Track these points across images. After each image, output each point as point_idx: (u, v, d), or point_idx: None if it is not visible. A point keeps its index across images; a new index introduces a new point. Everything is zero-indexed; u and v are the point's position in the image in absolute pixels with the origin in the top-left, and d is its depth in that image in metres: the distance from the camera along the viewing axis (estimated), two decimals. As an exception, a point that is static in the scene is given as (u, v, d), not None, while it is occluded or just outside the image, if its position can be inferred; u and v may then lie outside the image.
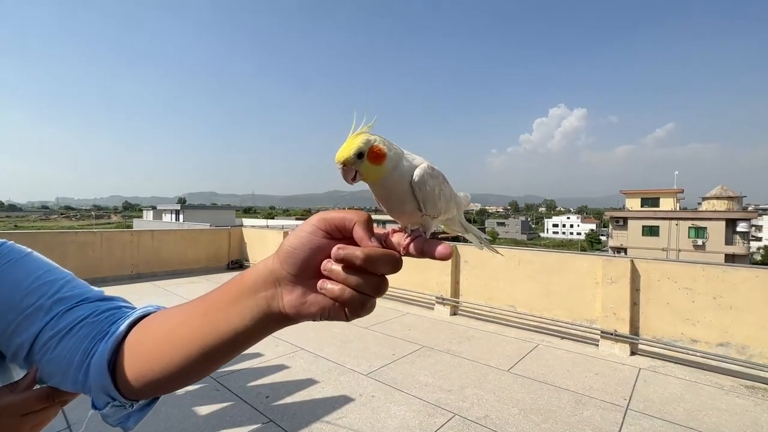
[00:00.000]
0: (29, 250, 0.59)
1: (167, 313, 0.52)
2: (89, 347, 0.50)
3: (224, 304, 0.44)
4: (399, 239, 0.43)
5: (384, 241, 0.43)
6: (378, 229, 0.43)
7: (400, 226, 0.47)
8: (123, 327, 0.51)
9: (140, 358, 0.48)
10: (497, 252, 0.67)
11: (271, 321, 0.43)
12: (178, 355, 0.46)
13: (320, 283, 0.40)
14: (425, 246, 0.41)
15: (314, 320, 0.41)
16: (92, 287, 0.60)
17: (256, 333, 0.44)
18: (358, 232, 0.40)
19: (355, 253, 0.38)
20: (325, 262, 0.40)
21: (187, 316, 0.48)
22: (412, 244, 0.41)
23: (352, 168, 0.43)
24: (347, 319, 0.40)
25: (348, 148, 0.42)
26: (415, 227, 0.47)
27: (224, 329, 0.44)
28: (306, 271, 0.41)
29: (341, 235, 0.41)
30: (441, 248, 0.40)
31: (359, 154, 0.42)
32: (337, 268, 0.39)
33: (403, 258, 0.41)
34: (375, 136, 0.43)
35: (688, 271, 3.77)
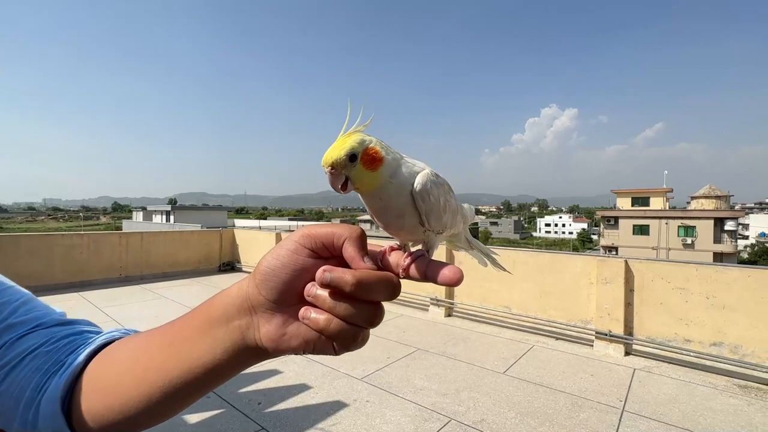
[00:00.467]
0: None
1: (132, 341, 0.44)
2: (41, 382, 0.42)
3: (191, 334, 0.38)
4: (398, 259, 0.36)
5: (380, 260, 0.37)
6: (373, 246, 0.37)
7: (398, 242, 0.41)
8: (81, 357, 0.43)
9: (98, 395, 0.41)
10: (505, 270, 0.61)
11: (246, 355, 0.36)
12: (138, 393, 0.38)
13: (303, 311, 0.34)
14: (429, 268, 0.35)
15: (296, 354, 0.35)
16: (53, 308, 0.51)
17: (228, 368, 0.37)
18: (349, 251, 0.33)
19: (345, 277, 0.32)
20: (309, 286, 0.34)
21: (150, 348, 0.40)
22: (413, 266, 0.35)
23: (342, 173, 0.36)
24: (335, 353, 0.34)
25: (338, 148, 0.36)
26: (416, 245, 0.41)
27: (191, 364, 0.37)
28: (287, 296, 0.34)
29: (329, 253, 0.34)
30: (448, 272, 0.34)
31: (352, 156, 0.35)
32: (324, 293, 0.33)
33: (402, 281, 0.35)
34: (371, 137, 0.37)
35: (682, 271, 3.79)
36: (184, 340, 0.38)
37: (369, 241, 0.36)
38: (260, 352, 0.36)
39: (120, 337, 0.47)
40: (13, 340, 0.44)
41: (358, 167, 0.36)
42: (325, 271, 0.32)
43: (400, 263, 0.36)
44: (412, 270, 0.35)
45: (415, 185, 0.38)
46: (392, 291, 0.34)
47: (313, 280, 0.34)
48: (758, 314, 3.39)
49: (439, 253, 5.19)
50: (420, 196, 0.38)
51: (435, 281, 0.35)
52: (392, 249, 0.38)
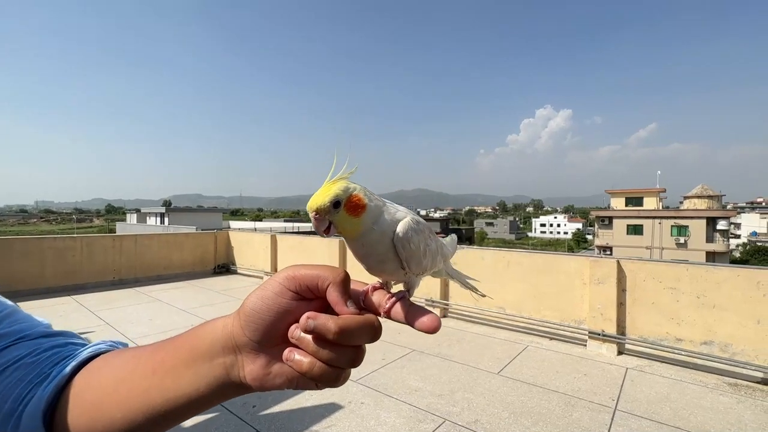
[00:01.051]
0: None
1: (118, 358, 0.44)
2: (23, 393, 0.41)
3: (176, 365, 0.39)
4: (380, 299, 0.38)
5: (362, 300, 0.38)
6: (356, 284, 0.38)
7: (379, 282, 0.42)
8: (67, 370, 0.43)
9: (81, 412, 0.41)
10: (484, 296, 0.63)
11: (230, 390, 0.38)
12: (121, 416, 0.39)
13: (287, 353, 0.35)
14: (409, 313, 0.36)
15: (280, 389, 0.37)
16: (38, 320, 0.50)
17: (210, 401, 0.38)
18: (333, 296, 0.35)
19: (328, 325, 0.33)
20: (293, 328, 0.35)
21: (136, 371, 0.41)
22: (395, 308, 0.37)
23: (326, 218, 0.38)
24: (318, 389, 0.36)
25: (323, 194, 0.37)
26: (398, 284, 0.43)
27: (174, 394, 0.38)
28: (271, 337, 0.36)
29: (313, 295, 0.36)
30: (427, 320, 0.36)
31: (336, 203, 0.37)
32: (307, 337, 0.34)
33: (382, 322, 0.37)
34: (356, 185, 0.39)
35: (673, 271, 3.83)
36: (168, 371, 0.39)
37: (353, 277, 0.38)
38: (244, 388, 0.38)
39: (106, 350, 0.47)
40: None
41: (341, 213, 0.38)
42: (309, 318, 0.34)
43: (382, 304, 0.37)
44: (394, 312, 0.37)
45: (396, 233, 0.39)
46: (373, 335, 0.35)
47: (297, 320, 0.35)
48: (747, 313, 3.44)
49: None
50: (401, 244, 0.39)
51: (413, 326, 0.36)
52: (375, 288, 0.39)
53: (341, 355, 0.34)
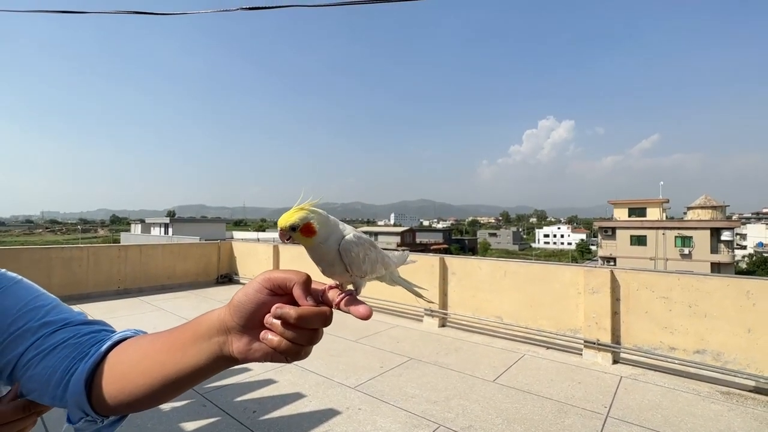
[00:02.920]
0: (19, 277, 0.65)
1: (140, 341, 0.59)
2: (69, 366, 0.56)
3: (183, 344, 0.53)
4: (334, 296, 0.52)
5: (321, 297, 0.52)
6: (317, 284, 0.53)
7: (336, 283, 0.57)
8: (103, 349, 0.57)
9: (113, 380, 0.55)
10: (425, 299, 0.82)
11: (222, 362, 0.52)
12: (143, 383, 0.53)
13: (262, 334, 0.49)
14: (351, 305, 0.50)
15: (259, 362, 0.51)
16: (76, 311, 0.67)
17: (209, 370, 0.52)
18: (296, 292, 0.48)
19: (290, 312, 0.46)
20: (267, 316, 0.49)
21: (154, 349, 0.55)
22: (342, 302, 0.51)
23: (287, 233, 0.53)
24: (287, 362, 0.50)
25: (287, 218, 0.53)
26: (348, 285, 0.57)
27: (182, 366, 0.52)
28: (252, 322, 0.49)
29: (283, 292, 0.49)
30: (362, 309, 0.50)
31: (293, 228, 0.52)
32: (277, 322, 0.48)
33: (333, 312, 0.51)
34: (313, 214, 0.53)
35: (665, 281, 3.91)
36: (178, 348, 0.53)
37: (319, 280, 0.53)
38: (233, 361, 0.51)
39: (132, 336, 0.62)
40: (48, 334, 0.58)
41: (297, 234, 0.53)
42: (277, 308, 0.47)
43: (335, 299, 0.52)
44: (341, 304, 0.51)
45: (341, 245, 0.55)
46: (324, 321, 0.49)
47: (271, 311, 0.48)
48: (738, 322, 3.51)
49: (421, 280, 5.31)
50: (343, 253, 0.55)
51: (352, 314, 0.50)
52: (330, 288, 0.54)
53: (301, 336, 0.47)
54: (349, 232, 0.57)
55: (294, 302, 0.49)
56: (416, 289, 0.73)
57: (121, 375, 0.54)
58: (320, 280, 0.57)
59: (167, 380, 0.52)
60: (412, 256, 0.75)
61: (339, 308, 0.51)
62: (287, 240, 0.54)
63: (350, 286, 0.58)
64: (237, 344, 0.49)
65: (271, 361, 0.49)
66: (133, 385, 0.53)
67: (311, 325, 0.48)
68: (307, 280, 0.49)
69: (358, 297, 0.53)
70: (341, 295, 0.51)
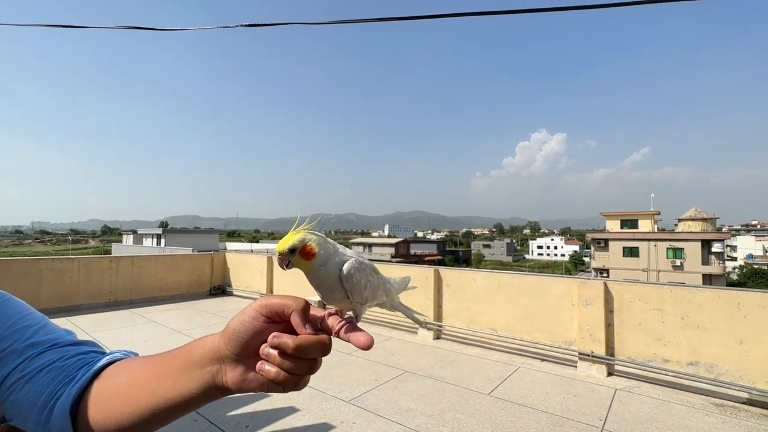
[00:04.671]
0: (8, 296, 0.62)
1: (129, 365, 0.56)
2: (54, 390, 0.53)
3: (174, 372, 0.50)
4: (333, 323, 0.51)
5: (319, 324, 0.50)
6: (315, 310, 0.51)
7: (335, 309, 0.56)
8: (90, 373, 0.54)
9: (100, 407, 0.52)
10: (424, 326, 0.81)
11: (215, 392, 0.50)
12: (131, 412, 0.51)
13: (259, 364, 0.47)
14: (351, 333, 0.49)
15: (255, 392, 0.49)
16: (65, 331, 0.63)
17: (201, 400, 0.51)
18: (294, 320, 0.47)
19: (288, 342, 0.45)
20: (263, 346, 0.47)
21: (143, 376, 0.53)
22: (342, 330, 0.50)
23: (286, 258, 0.53)
24: (284, 392, 0.48)
25: (285, 242, 0.52)
26: (348, 311, 0.57)
27: (173, 395, 0.50)
28: (247, 351, 0.47)
29: (280, 319, 0.48)
30: (362, 338, 0.49)
31: (292, 250, 0.52)
32: (274, 352, 0.46)
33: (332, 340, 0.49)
34: (312, 236, 0.53)
35: (657, 293, 3.95)
36: (168, 375, 0.50)
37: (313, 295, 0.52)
38: (226, 391, 0.49)
39: (121, 358, 0.59)
40: (34, 355, 0.56)
41: (296, 257, 0.53)
42: (274, 337, 0.46)
43: (334, 326, 0.51)
44: (341, 333, 0.50)
45: (342, 270, 0.54)
46: (324, 350, 0.47)
47: (267, 339, 0.47)
48: (730, 334, 3.54)
49: (418, 301, 5.29)
50: (344, 279, 0.54)
51: (351, 342, 0.49)
52: (330, 314, 0.53)
53: (299, 366, 0.46)
54: (351, 256, 0.56)
55: (291, 329, 0.47)
56: (416, 315, 0.73)
57: (108, 402, 0.52)
58: (313, 295, 0.56)
59: (156, 409, 0.50)
60: (409, 272, 0.76)
61: (339, 336, 0.50)
62: (286, 266, 0.53)
63: (350, 313, 0.57)
64: (231, 374, 0.48)
65: (267, 391, 0.48)
66: (120, 414, 0.51)
67: (310, 355, 0.46)
68: (306, 307, 0.48)
69: (358, 324, 0.52)
70: (341, 323, 0.50)
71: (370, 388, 3.71)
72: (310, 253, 0.52)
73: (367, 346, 0.48)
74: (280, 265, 0.54)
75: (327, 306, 0.59)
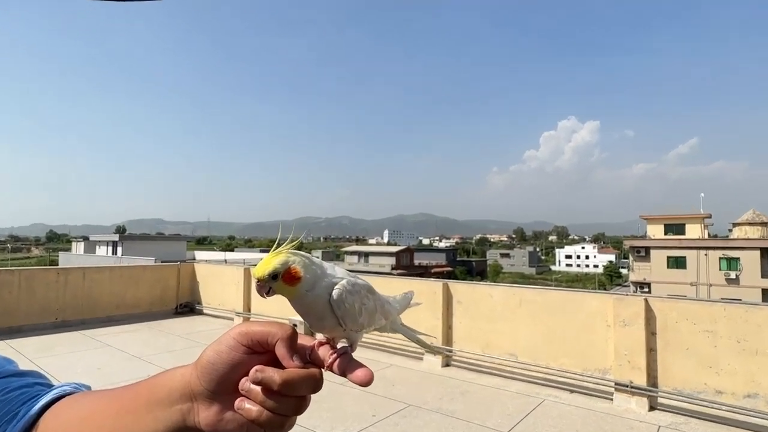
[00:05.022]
0: None
1: (82, 401, 0.54)
2: None
3: (137, 409, 0.48)
4: (325, 353, 0.50)
5: (309, 355, 0.50)
6: (304, 338, 0.50)
7: (326, 338, 0.55)
8: (35, 409, 0.52)
9: None
10: (431, 351, 0.80)
11: None
12: None
13: (238, 402, 0.45)
14: (348, 367, 0.48)
15: None
16: (4, 359, 0.61)
17: None
18: (280, 351, 0.46)
19: (273, 377, 0.44)
20: (243, 380, 0.46)
21: (98, 412, 0.51)
22: (336, 363, 0.49)
23: (266, 285, 0.52)
24: None
25: (265, 266, 0.51)
26: (342, 340, 0.56)
27: None
28: (224, 387, 0.46)
29: (263, 349, 0.47)
30: (361, 374, 0.48)
31: (274, 276, 0.51)
32: (256, 388, 0.45)
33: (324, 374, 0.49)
34: (295, 257, 0.52)
35: (708, 311, 3.96)
36: (129, 413, 0.48)
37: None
38: None
39: (71, 392, 0.56)
40: None
41: (279, 283, 0.52)
42: (257, 371, 0.44)
43: (326, 358, 0.50)
44: (335, 366, 0.50)
45: (332, 295, 0.54)
46: (314, 386, 0.46)
47: (248, 372, 0.45)
48: (794, 360, 3.55)
49: (418, 321, 5.32)
50: (335, 304, 0.53)
51: (349, 379, 0.48)
52: (320, 344, 0.52)
53: (286, 405, 0.45)
54: (341, 276, 0.56)
55: (276, 361, 0.46)
56: (421, 337, 0.73)
57: None
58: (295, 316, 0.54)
59: None
60: (413, 286, 0.75)
61: (332, 370, 0.49)
62: (266, 294, 0.53)
63: (343, 341, 0.56)
64: (205, 414, 0.46)
65: None
66: None
67: (298, 392, 0.45)
68: (293, 335, 0.47)
69: (354, 354, 0.51)
70: (333, 354, 0.50)
71: (366, 425, 3.71)
72: (295, 278, 0.52)
73: (367, 383, 0.48)
74: (259, 292, 0.53)
75: (316, 333, 0.59)
